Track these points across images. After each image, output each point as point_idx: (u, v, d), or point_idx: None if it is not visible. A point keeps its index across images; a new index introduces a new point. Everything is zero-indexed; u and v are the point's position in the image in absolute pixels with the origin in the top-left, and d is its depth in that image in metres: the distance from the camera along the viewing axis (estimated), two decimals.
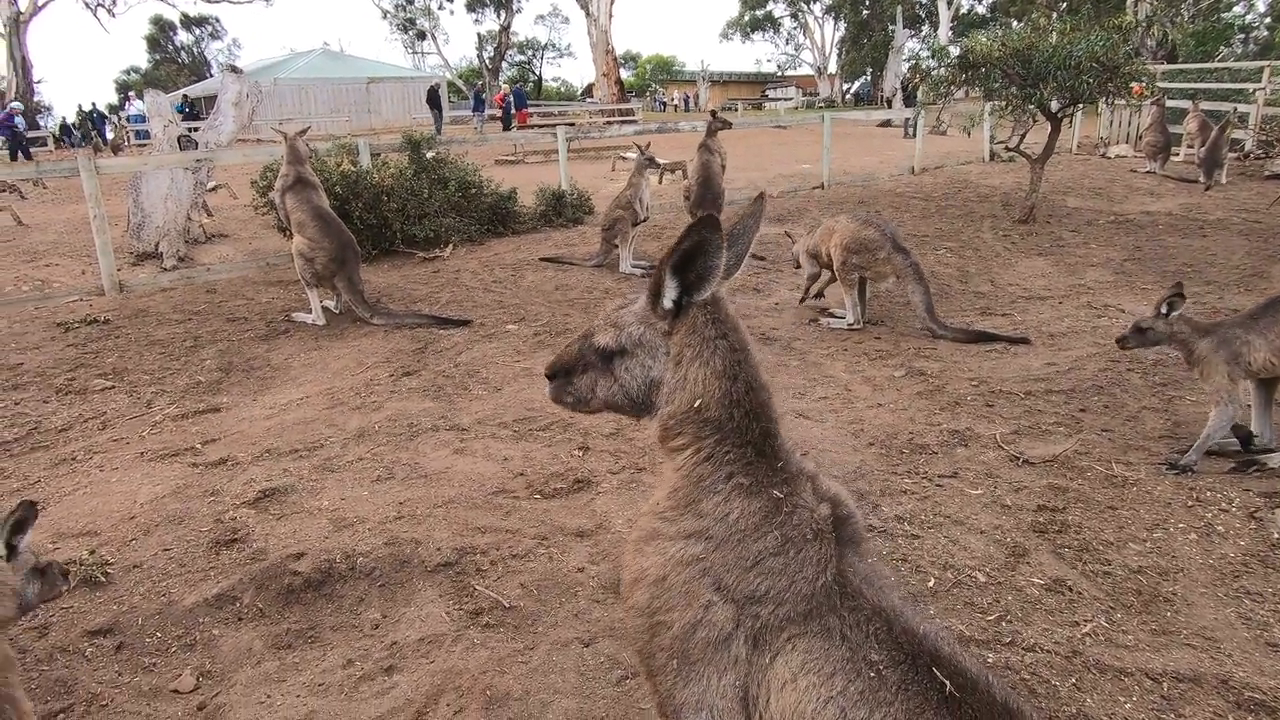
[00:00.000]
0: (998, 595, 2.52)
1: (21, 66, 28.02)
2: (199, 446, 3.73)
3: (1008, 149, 9.59)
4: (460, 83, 43.31)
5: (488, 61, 45.83)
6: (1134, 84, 8.24)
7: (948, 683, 1.10)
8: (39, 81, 31.42)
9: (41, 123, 30.47)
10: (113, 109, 34.66)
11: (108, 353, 5.15)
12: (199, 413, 4.16)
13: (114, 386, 4.58)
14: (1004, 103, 8.44)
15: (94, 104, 29.41)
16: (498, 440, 3.72)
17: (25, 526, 1.80)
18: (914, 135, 14.33)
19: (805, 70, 52.17)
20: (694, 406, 1.25)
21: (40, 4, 28.06)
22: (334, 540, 2.90)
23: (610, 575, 2.65)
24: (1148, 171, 11.56)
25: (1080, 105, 8.51)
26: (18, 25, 27.60)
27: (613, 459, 3.52)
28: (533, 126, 22.69)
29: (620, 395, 1.31)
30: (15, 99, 27.75)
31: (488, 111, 27.88)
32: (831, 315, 5.53)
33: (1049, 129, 8.63)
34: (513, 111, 25.65)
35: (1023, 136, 8.92)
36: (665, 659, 1.24)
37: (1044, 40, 7.98)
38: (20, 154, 20.73)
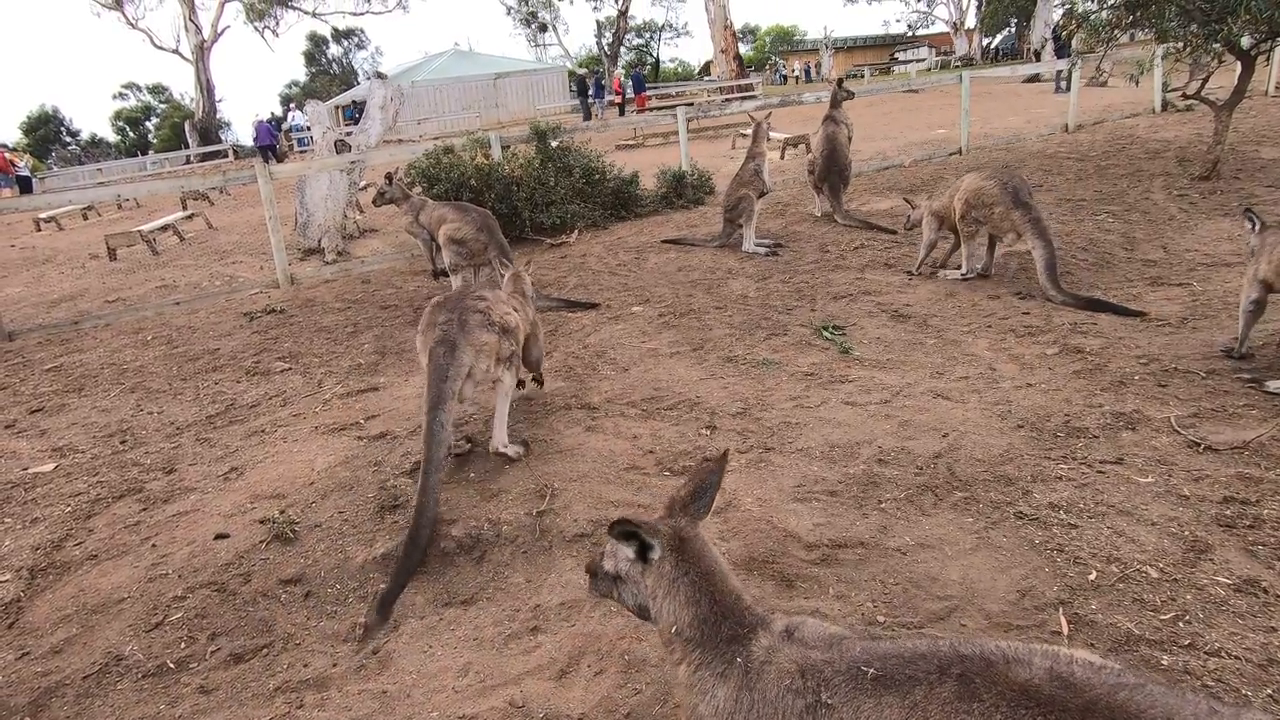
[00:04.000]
0: (1173, 593, 2.29)
1: (206, 88, 31.87)
2: (362, 422, 4.14)
3: (1185, 96, 8.44)
4: (580, 71, 44.24)
5: (606, 48, 46.41)
6: None
7: (870, 669, 1.29)
8: (220, 100, 35.60)
9: (223, 137, 34.55)
10: (278, 121, 38.63)
11: (284, 338, 5.81)
12: (361, 391, 4.60)
13: (290, 368, 5.17)
14: (1182, 43, 7.40)
15: (273, 113, 32.86)
16: (626, 419, 3.83)
17: None
18: (1067, 89, 12.94)
19: (939, 28, 48.41)
20: (673, 631, 1.52)
21: (220, 31, 31.69)
22: (481, 509, 3.12)
23: (741, 552, 2.68)
24: None
25: None
26: (202, 52, 31.37)
27: (740, 438, 3.52)
28: (652, 109, 22.74)
29: (627, 602, 1.65)
30: (202, 118, 31.67)
31: (607, 98, 28.32)
32: (948, 270, 5.55)
33: (1239, 69, 7.50)
34: (629, 96, 25.78)
35: (1204, 81, 7.82)
36: None
37: None
38: (271, 157, 23.11)
